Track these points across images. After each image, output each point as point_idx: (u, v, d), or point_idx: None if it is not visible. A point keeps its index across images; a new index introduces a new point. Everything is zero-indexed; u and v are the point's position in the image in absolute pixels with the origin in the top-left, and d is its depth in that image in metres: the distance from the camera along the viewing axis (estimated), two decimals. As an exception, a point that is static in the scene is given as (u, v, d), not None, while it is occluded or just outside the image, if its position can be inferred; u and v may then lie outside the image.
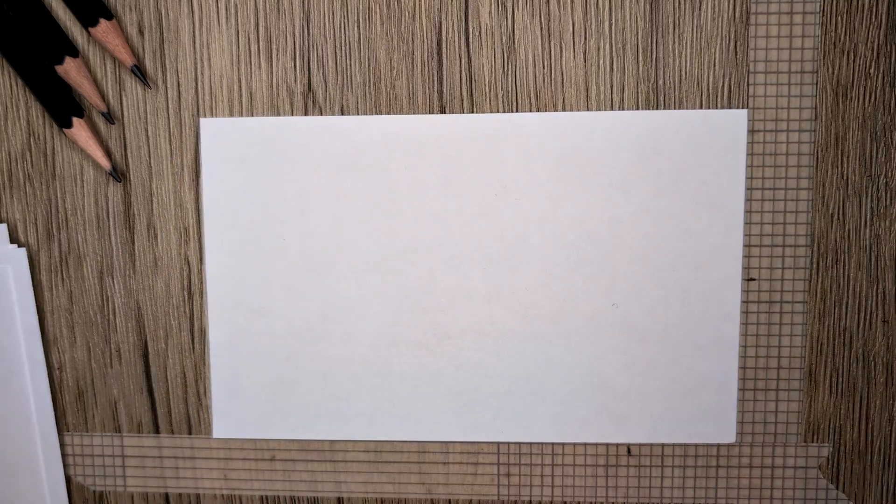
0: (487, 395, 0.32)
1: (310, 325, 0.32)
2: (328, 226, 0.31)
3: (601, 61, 0.30)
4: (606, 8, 0.30)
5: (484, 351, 0.32)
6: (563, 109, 0.31)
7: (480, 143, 0.31)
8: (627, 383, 0.32)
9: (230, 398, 0.33)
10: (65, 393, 0.33)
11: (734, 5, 0.30)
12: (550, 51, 0.30)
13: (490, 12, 0.30)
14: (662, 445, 0.32)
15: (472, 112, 0.31)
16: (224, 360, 0.32)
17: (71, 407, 0.33)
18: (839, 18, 0.30)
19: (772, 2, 0.30)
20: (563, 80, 0.30)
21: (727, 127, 0.30)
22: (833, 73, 0.30)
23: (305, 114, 0.31)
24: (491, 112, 0.31)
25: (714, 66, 0.30)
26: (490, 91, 0.31)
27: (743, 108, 0.30)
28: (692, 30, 0.30)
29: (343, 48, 0.31)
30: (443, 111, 0.31)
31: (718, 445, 0.32)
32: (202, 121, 0.31)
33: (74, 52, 0.30)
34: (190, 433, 0.33)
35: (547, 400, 0.32)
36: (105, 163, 0.31)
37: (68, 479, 0.34)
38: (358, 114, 0.31)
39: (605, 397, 0.32)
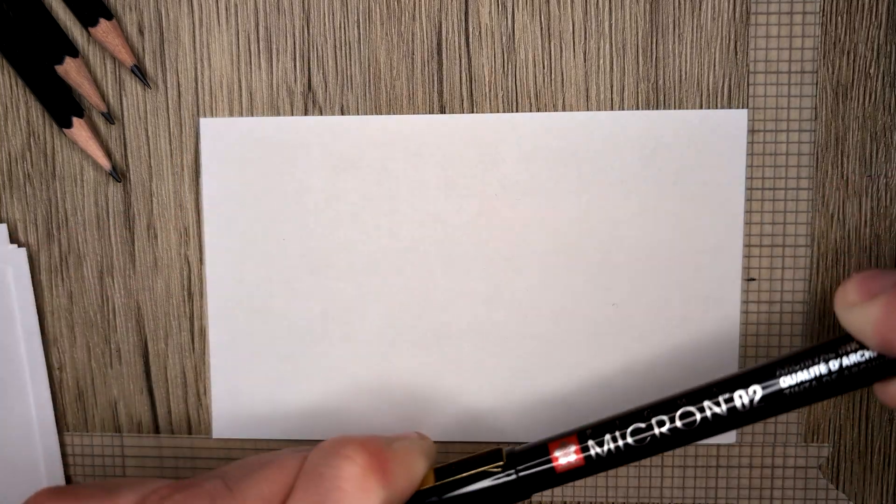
0: (487, 395, 0.32)
1: (310, 325, 0.32)
2: (328, 226, 0.31)
3: (601, 61, 0.30)
4: (606, 8, 0.30)
5: (484, 351, 0.32)
6: (563, 109, 0.31)
7: (480, 143, 0.31)
8: (627, 383, 0.32)
9: (230, 398, 0.33)
10: (65, 393, 0.33)
11: (734, 5, 0.30)
12: (550, 51, 0.30)
13: (490, 12, 0.30)
14: (662, 445, 0.32)
15: (472, 112, 0.31)
16: (224, 360, 0.32)
17: (71, 407, 0.33)
18: (839, 18, 0.30)
19: (772, 2, 0.30)
20: (563, 80, 0.30)
21: (727, 127, 0.30)
22: (833, 73, 0.30)
23: (305, 114, 0.31)
24: (491, 112, 0.31)
25: (714, 66, 0.30)
26: (490, 91, 0.31)
27: (743, 108, 0.30)
28: (692, 30, 0.30)
29: (343, 48, 0.31)
30: (443, 111, 0.31)
31: (718, 445, 0.32)
32: (202, 121, 0.31)
33: (74, 52, 0.30)
34: (190, 433, 0.33)
35: (547, 400, 0.32)
36: (105, 163, 0.31)
37: (68, 479, 0.34)
38: (358, 114, 0.31)
39: (605, 397, 0.32)
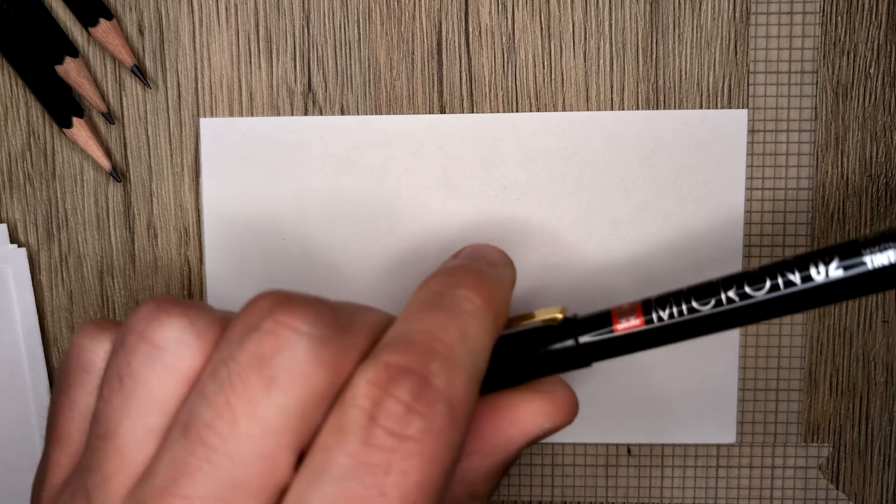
0: (487, 395, 0.32)
1: (310, 325, 0.32)
2: (328, 226, 0.31)
3: (601, 61, 0.30)
4: (606, 8, 0.30)
5: (484, 351, 0.32)
6: (563, 109, 0.31)
7: (480, 143, 0.31)
8: (627, 383, 0.32)
9: (230, 398, 0.33)
10: (65, 393, 0.33)
11: (734, 5, 0.30)
12: (550, 51, 0.30)
13: (490, 12, 0.30)
14: (662, 445, 0.32)
15: (472, 112, 0.31)
16: (224, 360, 0.32)
17: (71, 407, 0.33)
18: (839, 18, 0.30)
19: (772, 2, 0.30)
20: (563, 80, 0.30)
21: (727, 127, 0.30)
22: (833, 73, 0.30)
23: (305, 114, 0.31)
24: (491, 112, 0.31)
25: (714, 66, 0.30)
26: (490, 91, 0.31)
27: (743, 108, 0.30)
28: (692, 30, 0.30)
29: (343, 48, 0.31)
30: (443, 111, 0.31)
31: (718, 445, 0.32)
32: (202, 121, 0.31)
33: (74, 52, 0.30)
34: (190, 433, 0.33)
35: (547, 400, 0.32)
36: (105, 163, 0.31)
37: (68, 479, 0.34)
38: (358, 114, 0.31)
39: (605, 397, 0.32)
